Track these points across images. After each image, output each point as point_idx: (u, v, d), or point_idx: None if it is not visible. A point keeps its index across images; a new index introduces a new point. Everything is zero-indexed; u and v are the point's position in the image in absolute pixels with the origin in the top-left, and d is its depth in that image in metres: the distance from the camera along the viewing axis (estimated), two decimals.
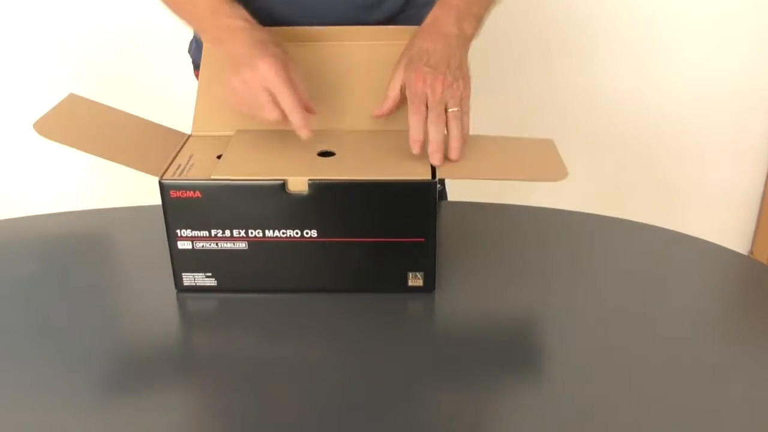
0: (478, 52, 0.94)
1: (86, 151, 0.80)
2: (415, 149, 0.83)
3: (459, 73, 0.85)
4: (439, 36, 0.88)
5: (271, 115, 0.83)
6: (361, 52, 0.95)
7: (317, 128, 0.90)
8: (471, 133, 0.90)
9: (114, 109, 0.90)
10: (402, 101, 0.88)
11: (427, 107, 0.83)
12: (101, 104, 0.90)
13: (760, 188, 1.95)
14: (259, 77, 0.82)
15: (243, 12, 0.89)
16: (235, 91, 0.85)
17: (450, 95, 0.84)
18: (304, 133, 0.83)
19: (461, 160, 0.83)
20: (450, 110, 0.84)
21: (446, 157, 0.83)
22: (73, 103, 0.88)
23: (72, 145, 0.80)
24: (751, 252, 2.02)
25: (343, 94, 0.94)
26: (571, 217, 1.00)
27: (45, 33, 1.72)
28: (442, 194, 1.19)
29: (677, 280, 0.89)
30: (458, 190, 1.17)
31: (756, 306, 0.87)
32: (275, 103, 0.83)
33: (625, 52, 1.80)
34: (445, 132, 0.83)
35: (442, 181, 1.15)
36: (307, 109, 0.85)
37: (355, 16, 1.01)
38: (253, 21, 0.89)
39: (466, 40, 0.89)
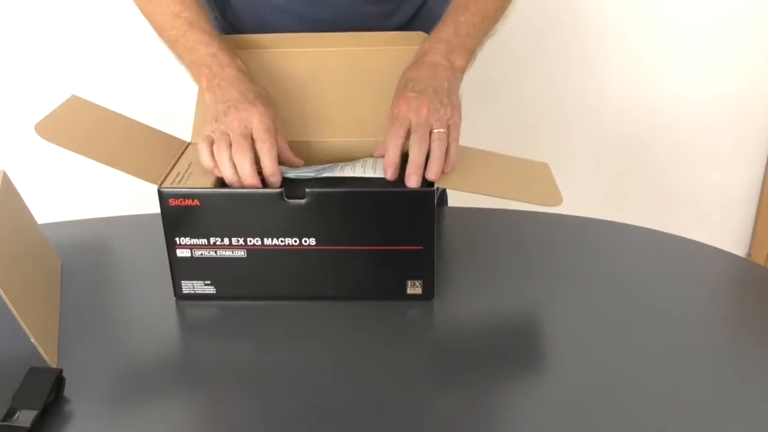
0: (480, 56, 0.94)
1: (86, 155, 0.80)
2: (388, 174, 0.81)
3: (447, 101, 0.84)
4: (426, 66, 0.87)
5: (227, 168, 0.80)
6: (371, 57, 0.95)
7: (327, 139, 0.90)
8: (476, 137, 0.90)
9: (115, 113, 0.90)
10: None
11: (409, 131, 0.82)
12: (102, 107, 0.90)
13: (758, 190, 1.96)
14: (248, 119, 0.81)
15: (239, 63, 0.89)
16: (213, 133, 0.82)
17: (436, 119, 0.82)
18: (274, 182, 0.81)
19: (437, 181, 0.81)
20: (434, 131, 0.82)
21: (424, 177, 0.81)
22: (75, 105, 0.88)
23: (72, 149, 0.80)
24: (749, 254, 2.02)
25: (351, 101, 0.94)
26: (570, 221, 1.00)
27: (49, 33, 1.72)
28: (443, 199, 1.19)
29: (676, 283, 0.89)
30: (458, 195, 1.17)
31: (754, 308, 0.87)
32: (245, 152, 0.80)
33: (623, 56, 1.81)
34: (426, 154, 0.81)
35: None
36: (292, 160, 0.86)
37: (369, 27, 1.01)
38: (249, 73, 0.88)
39: (455, 71, 0.88)
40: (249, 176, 0.80)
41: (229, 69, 0.87)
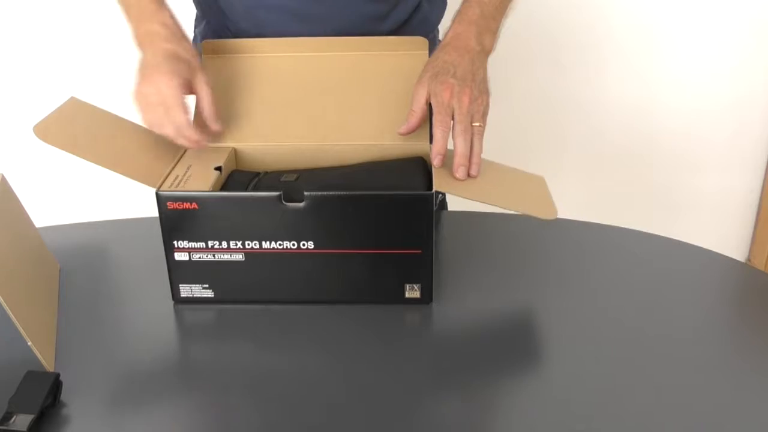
0: None
1: (84, 158, 0.80)
2: (437, 162, 0.83)
3: (483, 88, 0.86)
4: (463, 51, 0.88)
5: (165, 130, 0.84)
6: (365, 62, 0.95)
7: (321, 143, 0.90)
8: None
9: (114, 116, 0.90)
10: (427, 117, 0.87)
11: (452, 119, 0.83)
12: (101, 109, 0.90)
13: (757, 195, 1.96)
14: (155, 92, 0.83)
15: (165, 16, 0.89)
16: (139, 101, 0.85)
17: (475, 109, 0.84)
18: (195, 146, 0.85)
19: (477, 176, 0.83)
20: (475, 125, 0.84)
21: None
22: (74, 107, 0.88)
23: (71, 151, 0.80)
24: (748, 259, 2.02)
25: (345, 106, 0.94)
26: (568, 225, 1.00)
27: (48, 35, 1.72)
28: (443, 204, 1.19)
29: (676, 287, 0.89)
30: (456, 199, 1.17)
31: (754, 312, 0.87)
32: (170, 119, 0.84)
33: (622, 61, 1.81)
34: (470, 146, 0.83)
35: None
36: (208, 126, 0.87)
37: (365, 27, 1.01)
38: (174, 26, 0.89)
39: (486, 56, 0.90)
40: (184, 140, 0.84)
41: (151, 24, 0.88)
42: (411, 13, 1.06)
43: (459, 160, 0.82)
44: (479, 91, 0.85)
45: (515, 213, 1.00)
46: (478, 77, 0.86)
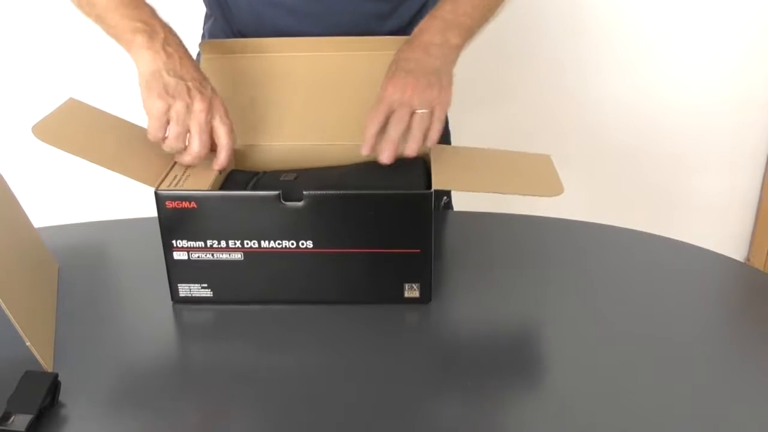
0: (476, 63, 0.94)
1: (83, 157, 0.80)
2: (363, 149, 0.83)
3: (435, 80, 0.84)
4: (418, 44, 0.88)
5: (193, 149, 0.83)
6: (364, 62, 0.95)
7: (320, 143, 0.90)
8: (472, 143, 0.89)
9: (113, 116, 0.90)
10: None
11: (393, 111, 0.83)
12: (100, 110, 0.90)
13: (757, 195, 1.96)
14: (204, 110, 0.81)
15: (185, 48, 0.87)
16: (164, 113, 0.81)
17: (419, 99, 0.83)
18: (217, 166, 0.84)
19: (413, 155, 0.82)
20: (417, 112, 0.82)
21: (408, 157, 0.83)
22: (73, 107, 0.88)
23: (69, 151, 0.80)
24: (747, 259, 2.02)
25: (344, 106, 0.93)
26: (567, 225, 1.00)
27: (47, 35, 1.72)
28: (448, 205, 1.19)
29: (675, 287, 0.89)
30: (461, 200, 1.17)
31: (753, 312, 0.87)
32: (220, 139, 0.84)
33: (622, 62, 1.81)
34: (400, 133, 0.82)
35: (448, 193, 1.15)
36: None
37: (367, 25, 1.01)
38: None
39: (450, 50, 0.88)
40: (198, 159, 0.83)
41: (174, 38, 0.86)
42: (415, 14, 1.06)
43: (382, 144, 0.82)
44: (428, 83, 0.83)
45: (515, 213, 1.01)
46: (430, 69, 0.85)
